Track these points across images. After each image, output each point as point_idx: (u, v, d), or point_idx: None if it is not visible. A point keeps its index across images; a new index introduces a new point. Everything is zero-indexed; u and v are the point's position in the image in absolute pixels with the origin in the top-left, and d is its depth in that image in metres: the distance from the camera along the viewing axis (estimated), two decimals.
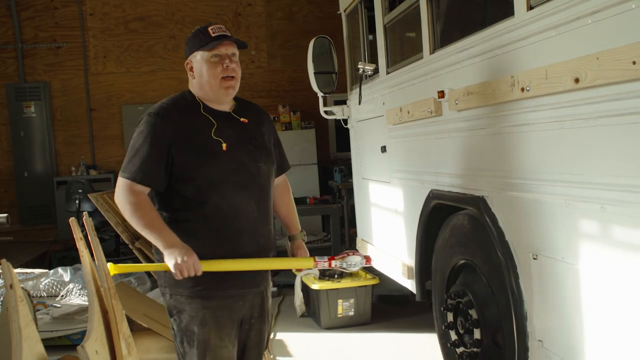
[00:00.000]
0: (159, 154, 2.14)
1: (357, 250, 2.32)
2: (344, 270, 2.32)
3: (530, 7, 2.30)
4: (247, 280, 2.25)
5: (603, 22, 1.87)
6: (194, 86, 2.29)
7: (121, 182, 2.15)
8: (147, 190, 2.16)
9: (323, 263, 2.27)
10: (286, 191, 2.56)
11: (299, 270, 2.68)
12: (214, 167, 2.19)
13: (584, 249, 2.07)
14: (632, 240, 1.84)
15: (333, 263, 2.27)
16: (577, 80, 1.97)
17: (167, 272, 2.13)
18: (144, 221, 2.10)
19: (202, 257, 2.10)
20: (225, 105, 2.30)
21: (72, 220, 2.21)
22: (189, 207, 2.19)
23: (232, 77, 2.23)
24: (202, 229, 2.19)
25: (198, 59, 2.23)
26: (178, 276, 2.05)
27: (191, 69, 2.27)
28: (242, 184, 2.23)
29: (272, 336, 4.23)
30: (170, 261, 2.04)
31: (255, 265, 2.24)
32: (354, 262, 2.24)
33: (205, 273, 2.09)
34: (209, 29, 2.22)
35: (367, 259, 2.32)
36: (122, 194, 2.13)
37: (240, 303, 2.26)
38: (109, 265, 2.19)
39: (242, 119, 2.31)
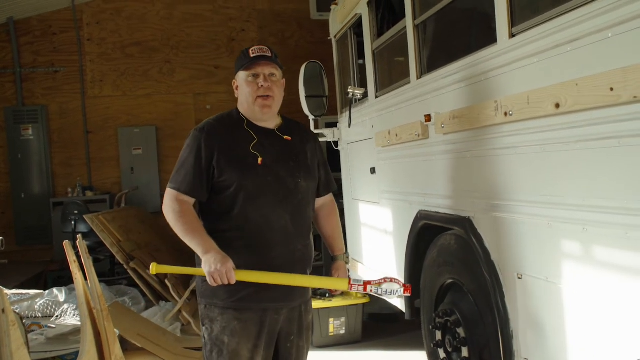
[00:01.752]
0: (202, 167, 2.21)
1: (396, 278, 2.20)
2: (380, 297, 2.19)
3: (512, 35, 2.33)
4: (282, 295, 2.24)
5: (582, 50, 1.90)
6: (239, 104, 2.38)
7: (168, 192, 2.25)
8: (192, 200, 2.24)
9: (358, 287, 2.18)
10: (332, 212, 2.55)
11: (333, 291, 2.56)
12: (251, 180, 2.22)
13: (567, 268, 2.07)
14: (612, 260, 1.85)
15: (369, 288, 2.16)
16: (557, 106, 1.99)
17: (204, 282, 2.16)
18: (186, 228, 2.16)
19: (237, 267, 2.11)
20: (268, 122, 2.35)
21: (66, 244, 2.20)
22: (226, 218, 2.23)
23: (268, 96, 2.27)
24: (237, 240, 2.22)
25: (240, 78, 2.34)
26: (212, 282, 2.07)
27: (236, 87, 2.38)
28: (278, 198, 2.25)
29: None
30: (205, 267, 2.08)
31: (289, 281, 2.20)
32: (391, 289, 2.10)
33: (240, 285, 2.11)
34: (250, 50, 2.31)
35: (406, 288, 2.14)
36: (168, 202, 2.23)
37: (275, 317, 2.25)
38: (152, 265, 2.25)
39: (285, 137, 2.35)
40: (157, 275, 5.75)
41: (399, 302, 3.71)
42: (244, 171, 2.22)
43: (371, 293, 2.19)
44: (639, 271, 1.74)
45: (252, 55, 2.29)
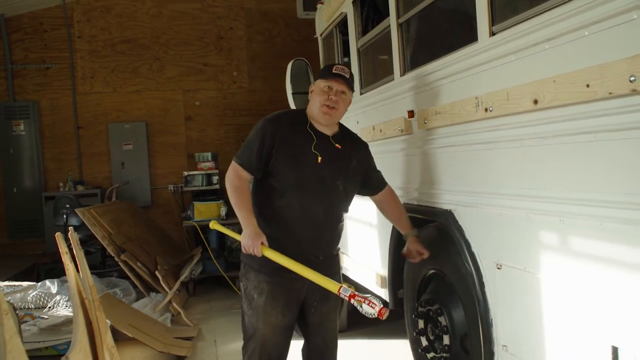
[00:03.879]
0: (265, 151, 2.52)
1: (377, 300, 2.27)
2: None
3: (492, 33, 2.33)
4: (308, 267, 2.48)
5: (559, 48, 1.91)
6: (309, 106, 2.66)
7: (233, 164, 2.59)
8: (249, 177, 2.58)
9: (344, 295, 2.32)
10: (393, 200, 2.89)
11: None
12: (298, 173, 2.53)
13: (544, 259, 2.08)
14: (588, 250, 1.86)
15: (352, 301, 2.28)
16: (536, 102, 2.00)
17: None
18: (238, 202, 2.50)
19: (272, 239, 2.46)
20: (327, 129, 2.64)
21: (58, 235, 2.17)
22: (275, 198, 2.56)
23: (333, 107, 2.56)
24: (277, 218, 2.56)
25: (317, 85, 2.64)
26: (244, 250, 2.46)
27: (311, 92, 2.67)
28: (316, 193, 2.55)
29: None
30: (243, 238, 2.44)
31: (298, 269, 2.43)
32: (369, 311, 2.23)
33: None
34: (334, 67, 2.63)
35: (380, 313, 2.23)
36: (230, 175, 2.58)
37: (299, 285, 2.57)
38: (212, 222, 2.91)
39: (337, 145, 2.63)
40: (147, 267, 5.72)
41: (382, 293, 3.73)
42: (295, 165, 2.53)
43: (352, 304, 2.30)
44: (613, 261, 1.76)
45: (334, 72, 2.59)
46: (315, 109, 2.59)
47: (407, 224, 2.87)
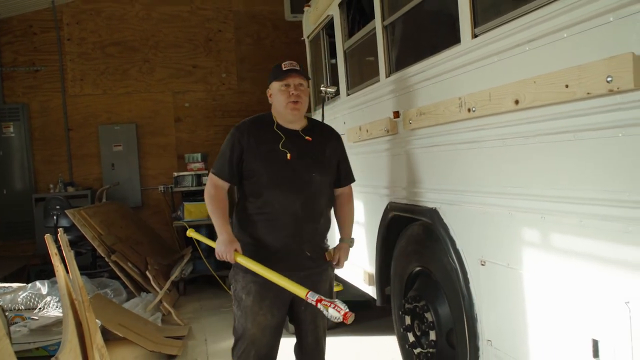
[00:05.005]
0: (235, 157, 2.60)
1: (343, 304, 2.29)
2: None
3: (474, 35, 2.35)
4: (292, 265, 2.55)
5: (539, 49, 1.93)
6: (273, 108, 2.69)
7: (210, 175, 2.69)
8: (226, 185, 2.65)
9: (312, 300, 2.34)
10: (347, 201, 2.86)
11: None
12: (272, 171, 2.56)
13: (527, 255, 2.10)
14: (568, 246, 1.88)
15: (319, 305, 2.31)
16: (517, 102, 2.01)
17: None
18: (212, 209, 2.59)
19: (258, 237, 2.56)
20: (295, 124, 2.67)
21: (48, 237, 2.16)
22: (253, 200, 2.60)
23: (298, 101, 2.59)
24: (258, 217, 2.58)
25: (273, 88, 2.65)
26: (218, 257, 2.50)
27: (270, 95, 2.69)
28: (292, 188, 2.56)
29: None
30: (217, 245, 2.51)
31: (270, 276, 2.45)
32: (334, 315, 2.28)
33: (259, 256, 2.50)
34: (283, 64, 2.63)
35: (345, 317, 2.27)
36: (208, 185, 2.67)
37: None
38: (189, 230, 2.94)
39: (307, 137, 2.65)
40: (137, 267, 5.69)
41: (370, 290, 3.74)
42: (267, 164, 2.56)
43: (320, 309, 2.33)
44: (593, 256, 1.78)
45: (284, 69, 2.60)
46: (281, 108, 2.62)
47: (348, 229, 2.85)
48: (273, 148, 2.58)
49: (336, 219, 2.87)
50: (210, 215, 2.61)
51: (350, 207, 2.87)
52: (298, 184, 2.57)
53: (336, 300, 2.32)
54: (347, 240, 2.81)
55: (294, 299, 2.60)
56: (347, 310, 2.27)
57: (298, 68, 2.63)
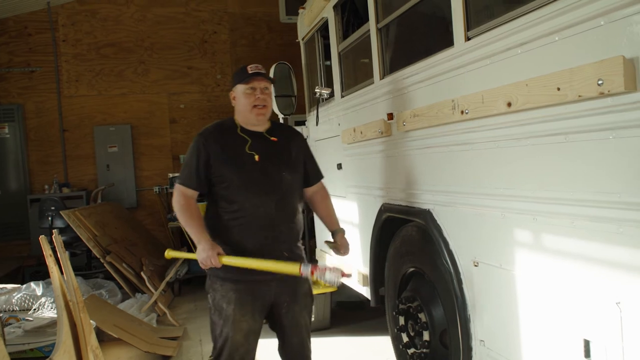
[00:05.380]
0: (202, 165, 2.54)
1: (334, 267, 2.35)
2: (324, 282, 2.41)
3: (468, 38, 2.36)
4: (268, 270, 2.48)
5: (531, 53, 1.94)
6: (236, 112, 2.65)
7: (176, 186, 2.60)
8: (195, 194, 2.59)
9: (305, 272, 2.36)
10: (324, 196, 2.84)
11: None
12: (242, 174, 2.53)
13: (519, 256, 2.11)
14: (560, 247, 1.89)
15: (315, 274, 2.34)
16: (509, 104, 2.02)
17: None
18: (186, 219, 2.51)
19: (234, 242, 2.50)
20: (259, 126, 2.64)
21: (42, 238, 2.15)
22: (223, 205, 2.55)
23: (263, 105, 2.58)
24: (232, 223, 2.53)
25: (238, 90, 2.62)
26: (202, 266, 2.44)
27: (234, 98, 2.66)
28: (264, 189, 2.53)
29: None
30: (198, 254, 2.44)
31: (259, 265, 2.44)
32: (332, 279, 2.30)
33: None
34: (248, 67, 2.59)
35: (343, 273, 2.32)
36: (176, 196, 2.58)
37: (264, 288, 2.55)
38: (167, 250, 2.74)
39: (272, 138, 2.63)
40: (132, 268, 5.67)
41: (364, 291, 3.74)
42: (236, 168, 2.52)
43: (317, 279, 2.36)
44: (585, 257, 1.79)
45: (250, 72, 2.57)
46: (246, 112, 2.59)
47: (336, 221, 2.82)
48: (240, 152, 2.55)
49: (319, 216, 2.85)
50: (183, 226, 2.56)
51: (330, 202, 2.84)
52: (270, 184, 2.54)
53: (327, 265, 2.32)
54: (340, 230, 2.76)
55: (274, 302, 2.58)
56: (341, 270, 2.30)
57: (264, 72, 2.60)
